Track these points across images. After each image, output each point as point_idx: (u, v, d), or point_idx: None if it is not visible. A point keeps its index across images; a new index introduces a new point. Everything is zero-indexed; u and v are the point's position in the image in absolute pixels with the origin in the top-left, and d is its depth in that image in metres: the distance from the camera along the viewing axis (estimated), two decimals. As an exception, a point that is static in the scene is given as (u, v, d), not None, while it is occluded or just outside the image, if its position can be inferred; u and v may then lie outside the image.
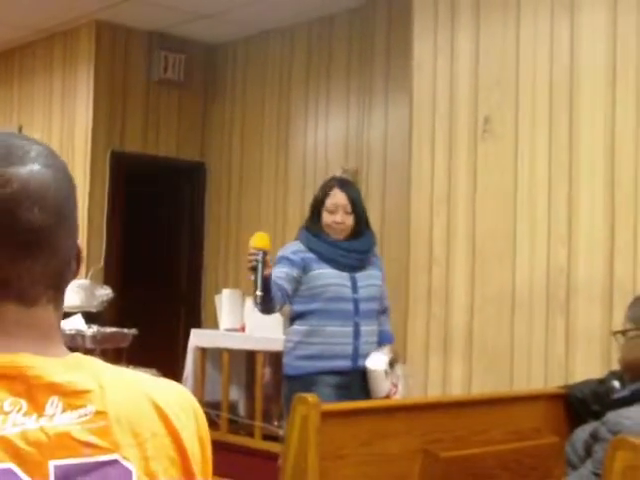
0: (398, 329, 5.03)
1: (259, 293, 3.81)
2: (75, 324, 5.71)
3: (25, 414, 0.99)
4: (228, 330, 7.10)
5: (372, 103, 7.06)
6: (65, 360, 1.07)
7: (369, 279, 4.33)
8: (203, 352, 7.09)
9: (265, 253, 3.86)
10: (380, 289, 4.39)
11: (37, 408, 1.00)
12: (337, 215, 4.25)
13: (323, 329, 4.22)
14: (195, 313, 8.13)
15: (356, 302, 4.24)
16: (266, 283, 3.89)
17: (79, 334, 5.63)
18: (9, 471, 0.97)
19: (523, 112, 5.09)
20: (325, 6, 7.14)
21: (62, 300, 1.13)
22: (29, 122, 8.35)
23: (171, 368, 6.88)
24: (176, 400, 1.14)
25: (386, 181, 6.86)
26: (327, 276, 4.22)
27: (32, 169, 1.08)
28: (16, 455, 0.98)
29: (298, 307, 4.29)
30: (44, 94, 8.29)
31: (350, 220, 4.28)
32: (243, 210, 7.99)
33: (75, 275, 1.16)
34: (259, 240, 3.94)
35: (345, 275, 4.25)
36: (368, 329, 4.28)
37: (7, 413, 0.99)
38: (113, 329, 5.94)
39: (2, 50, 8.70)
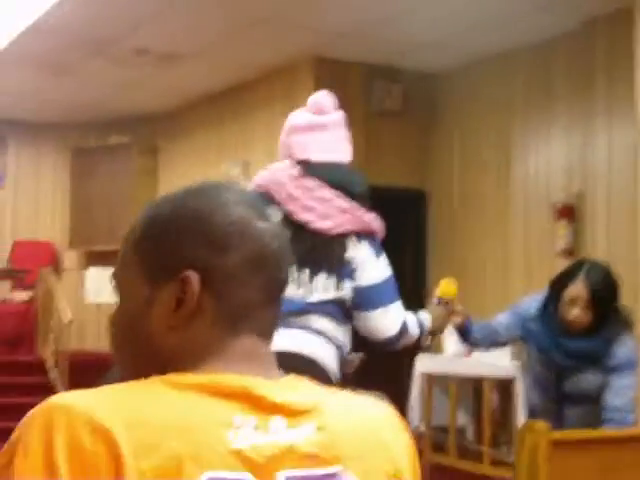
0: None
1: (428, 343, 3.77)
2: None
3: (254, 429, 1.08)
4: (454, 356, 7.11)
5: (595, 127, 6.92)
6: (285, 382, 1.17)
7: (577, 385, 3.82)
8: (430, 378, 7.12)
9: (447, 302, 3.77)
10: (595, 393, 3.76)
11: (264, 425, 1.08)
12: (573, 309, 3.68)
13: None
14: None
15: (560, 398, 3.89)
16: (460, 330, 3.98)
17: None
18: None
19: None
20: (544, 30, 7.09)
21: None
22: (252, 158, 8.65)
23: (396, 394, 6.95)
24: (386, 419, 1.21)
25: (611, 205, 6.71)
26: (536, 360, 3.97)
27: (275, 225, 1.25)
28: (250, 465, 1.06)
29: None
30: (266, 130, 8.54)
31: (588, 317, 3.68)
32: (466, 239, 7.99)
33: None
34: (446, 288, 3.86)
35: (551, 375, 3.88)
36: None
37: (238, 428, 1.07)
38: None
39: (227, 88, 9.08)
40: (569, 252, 6.93)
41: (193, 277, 1.16)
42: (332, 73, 8.06)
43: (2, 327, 9.46)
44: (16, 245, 10.62)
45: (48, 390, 8.44)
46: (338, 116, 3.28)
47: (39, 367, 9.31)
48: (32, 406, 1.04)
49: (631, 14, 5.72)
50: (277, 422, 1.09)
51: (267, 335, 1.21)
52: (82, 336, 10.28)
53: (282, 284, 1.23)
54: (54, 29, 7.23)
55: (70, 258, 10.84)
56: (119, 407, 1.06)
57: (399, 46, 7.66)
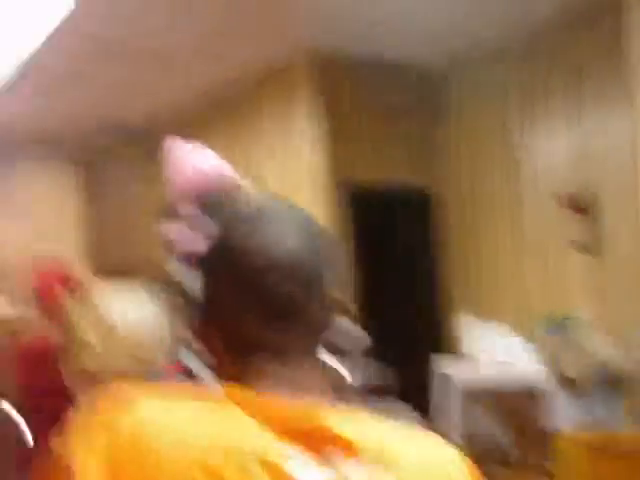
0: None
1: None
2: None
3: (313, 464, 1.04)
4: (486, 362, 6.99)
5: (602, 118, 6.85)
6: (342, 411, 1.11)
7: None
8: (464, 389, 6.99)
9: None
10: None
11: (324, 460, 1.04)
12: None
13: None
14: (438, 340, 8.09)
15: None
16: None
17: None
18: None
19: None
20: (546, 21, 7.02)
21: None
22: (257, 158, 8.53)
23: (419, 401, 6.86)
24: (455, 464, 1.15)
25: (621, 195, 6.64)
26: None
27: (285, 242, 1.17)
28: None
29: None
30: (269, 129, 8.42)
31: None
32: (477, 238, 7.95)
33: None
34: None
35: None
36: None
37: (295, 459, 1.03)
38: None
39: (226, 88, 8.91)
40: (583, 244, 6.91)
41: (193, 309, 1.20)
42: (334, 69, 7.89)
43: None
44: (31, 269, 10.48)
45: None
46: None
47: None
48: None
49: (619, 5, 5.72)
50: (338, 458, 1.05)
51: (290, 359, 1.16)
52: (101, 356, 10.14)
53: (284, 299, 1.14)
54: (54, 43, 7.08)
55: (87, 276, 10.70)
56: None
57: (402, 41, 7.56)
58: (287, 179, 8.07)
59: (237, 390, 1.10)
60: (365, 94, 8.04)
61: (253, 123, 8.61)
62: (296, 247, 1.16)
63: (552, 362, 6.25)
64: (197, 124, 9.39)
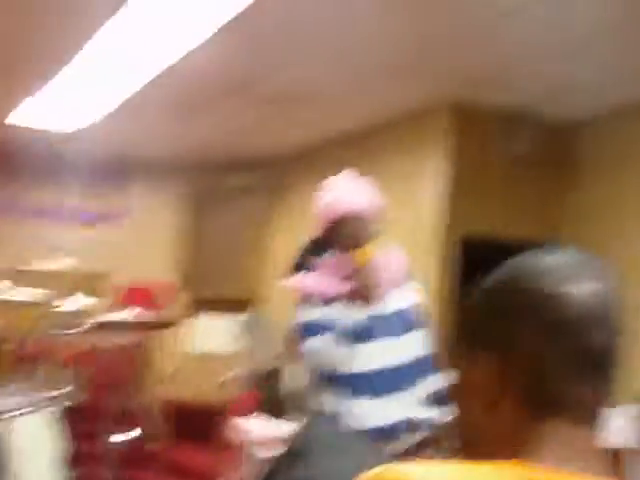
0: None
1: None
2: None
3: None
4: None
5: None
6: None
7: None
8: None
9: None
10: None
11: None
12: None
13: None
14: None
15: None
16: None
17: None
18: None
19: None
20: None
21: None
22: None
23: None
24: None
25: None
26: None
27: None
28: None
29: None
30: (395, 176, 8.12)
31: None
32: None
33: None
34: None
35: None
36: None
37: None
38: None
39: (354, 133, 8.73)
40: None
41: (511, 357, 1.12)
42: (466, 119, 7.59)
43: (102, 372, 9.01)
44: (129, 287, 10.34)
45: (150, 439, 8.05)
46: None
47: (138, 415, 8.88)
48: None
49: None
50: None
51: (582, 420, 1.11)
52: (184, 384, 9.85)
53: (595, 355, 1.12)
54: (189, 72, 6.96)
55: (179, 303, 10.53)
56: None
57: (537, 93, 7.16)
58: (408, 221, 7.80)
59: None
60: (497, 146, 7.70)
61: (381, 163, 8.35)
62: (609, 298, 1.16)
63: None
64: (322, 163, 9.12)
